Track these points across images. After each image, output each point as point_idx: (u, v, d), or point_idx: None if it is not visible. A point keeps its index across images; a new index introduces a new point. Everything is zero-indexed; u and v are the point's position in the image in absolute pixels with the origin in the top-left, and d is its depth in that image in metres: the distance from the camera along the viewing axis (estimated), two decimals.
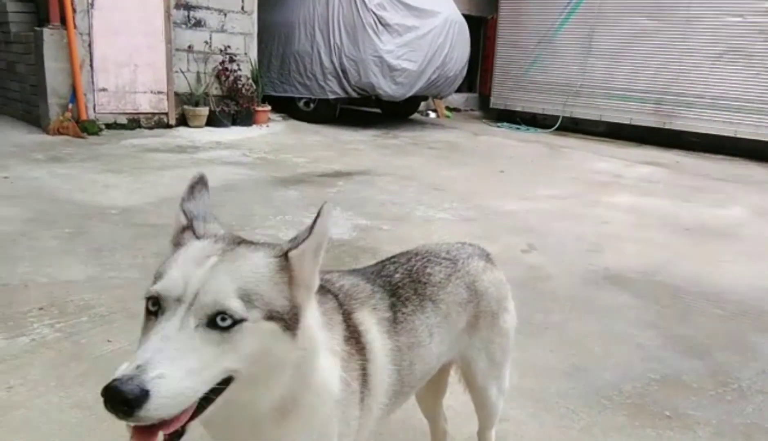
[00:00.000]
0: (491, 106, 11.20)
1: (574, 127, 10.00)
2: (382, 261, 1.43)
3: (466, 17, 9.92)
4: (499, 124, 10.53)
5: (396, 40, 8.14)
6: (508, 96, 10.85)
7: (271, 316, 0.87)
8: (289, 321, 0.89)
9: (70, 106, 6.80)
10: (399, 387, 1.22)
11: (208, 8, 7.92)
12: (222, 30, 8.08)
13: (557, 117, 10.04)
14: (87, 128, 6.74)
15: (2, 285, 2.80)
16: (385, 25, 8.08)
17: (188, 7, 7.75)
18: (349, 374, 1.07)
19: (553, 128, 9.97)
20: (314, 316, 0.98)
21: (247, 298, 0.85)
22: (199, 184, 1.12)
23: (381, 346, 1.18)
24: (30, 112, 7.17)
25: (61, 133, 6.56)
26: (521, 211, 4.75)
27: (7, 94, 7.79)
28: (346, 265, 3.32)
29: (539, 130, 10.06)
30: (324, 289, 1.12)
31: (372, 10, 8.05)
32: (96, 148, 6.10)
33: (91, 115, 6.97)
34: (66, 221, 3.75)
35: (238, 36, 8.26)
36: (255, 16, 8.43)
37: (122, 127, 7.22)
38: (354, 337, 1.12)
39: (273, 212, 4.25)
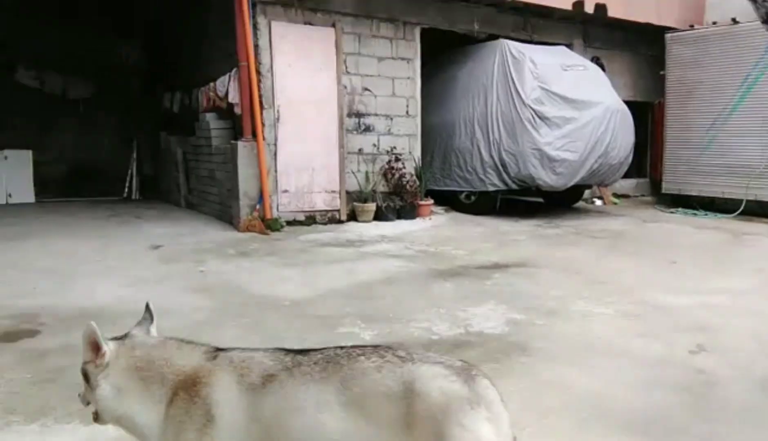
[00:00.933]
0: (663, 191, 10.65)
1: (760, 211, 9.13)
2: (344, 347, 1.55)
3: (632, 103, 9.74)
4: (672, 210, 9.94)
5: (555, 132, 8.21)
6: (682, 180, 10.26)
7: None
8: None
9: (257, 206, 7.71)
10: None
11: (376, 115, 8.67)
12: (389, 133, 8.77)
13: (740, 201, 9.26)
14: (271, 226, 7.55)
15: None
16: (543, 118, 8.21)
17: (359, 115, 8.56)
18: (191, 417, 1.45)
19: (735, 213, 9.19)
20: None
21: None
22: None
23: (230, 400, 1.47)
24: (225, 212, 8.22)
25: (249, 230, 7.42)
26: (693, 307, 4.43)
27: (207, 198, 9.02)
28: (497, 361, 3.34)
29: (719, 215, 9.33)
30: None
31: (530, 106, 8.24)
32: (277, 244, 6.80)
33: (275, 214, 7.81)
34: (246, 311, 4.24)
35: (403, 137, 8.90)
36: (418, 119, 9.08)
37: (300, 223, 7.98)
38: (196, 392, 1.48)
39: (428, 305, 4.41)
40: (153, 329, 1.78)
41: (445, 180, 9.22)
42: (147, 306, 1.84)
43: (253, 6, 7.70)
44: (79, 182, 11.19)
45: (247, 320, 4.06)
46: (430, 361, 1.48)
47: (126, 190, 11.17)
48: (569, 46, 10.36)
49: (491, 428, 1.38)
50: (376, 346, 1.54)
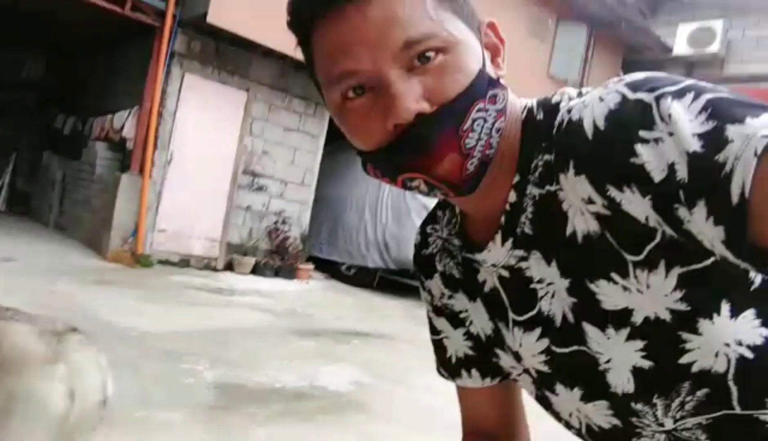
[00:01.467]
0: None
1: None
2: None
3: None
4: None
5: None
6: None
7: None
8: None
9: (130, 239, 7.45)
10: None
11: (272, 177, 8.76)
12: (281, 197, 8.86)
13: None
14: (141, 261, 7.30)
15: None
16: (428, 209, 8.65)
17: (254, 175, 8.60)
18: None
19: None
20: None
21: None
22: None
23: None
24: (95, 240, 7.85)
25: (117, 262, 7.13)
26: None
27: (79, 223, 8.61)
28: (331, 414, 3.41)
29: None
30: None
31: (419, 198, 8.69)
32: (144, 280, 6.56)
33: (147, 250, 7.57)
34: (90, 337, 4.03)
35: (295, 203, 9.01)
36: (313, 189, 9.26)
37: (173, 264, 7.77)
38: None
39: (280, 357, 4.41)
40: None
41: (330, 249, 9.38)
42: None
43: (171, 56, 7.73)
44: None
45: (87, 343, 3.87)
46: (24, 320, 1.49)
47: None
48: None
49: (62, 387, 1.42)
50: None
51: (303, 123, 9.05)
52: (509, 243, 0.71)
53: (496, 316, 0.78)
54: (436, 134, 0.62)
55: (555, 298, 0.69)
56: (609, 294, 0.64)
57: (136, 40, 8.30)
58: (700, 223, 0.52)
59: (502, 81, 0.68)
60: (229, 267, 8.23)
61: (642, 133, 0.55)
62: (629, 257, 0.61)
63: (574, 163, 0.61)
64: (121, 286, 5.97)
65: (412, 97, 0.61)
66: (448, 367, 0.89)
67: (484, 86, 0.64)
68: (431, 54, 0.62)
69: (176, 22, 7.61)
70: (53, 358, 1.44)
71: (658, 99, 0.56)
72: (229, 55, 8.12)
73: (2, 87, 10.71)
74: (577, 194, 0.62)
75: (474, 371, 0.86)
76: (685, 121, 0.53)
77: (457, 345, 0.87)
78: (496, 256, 0.72)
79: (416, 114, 0.61)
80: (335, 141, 9.66)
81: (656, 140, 0.54)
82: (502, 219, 0.71)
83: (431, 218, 0.89)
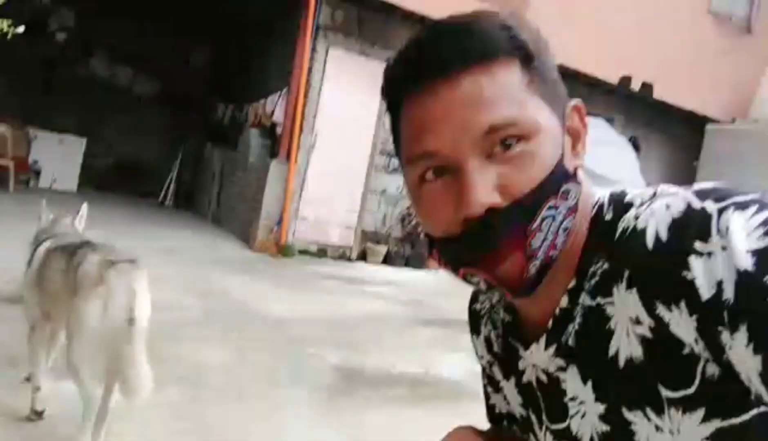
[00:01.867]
0: None
1: None
2: None
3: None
4: None
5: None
6: None
7: None
8: None
9: (275, 229, 8.06)
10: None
11: None
12: None
13: None
14: (284, 251, 7.89)
15: (159, 355, 3.56)
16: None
17: (391, 155, 8.59)
18: None
19: None
20: None
21: None
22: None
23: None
24: (245, 231, 8.58)
25: (262, 251, 7.78)
26: None
27: (232, 215, 9.40)
28: (445, 400, 3.57)
29: None
30: None
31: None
32: (284, 269, 7.13)
33: (290, 240, 8.15)
34: (229, 318, 4.57)
35: None
36: None
37: (311, 254, 8.29)
38: None
39: (400, 345, 4.66)
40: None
41: None
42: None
43: (316, 30, 8.08)
44: (121, 179, 11.66)
45: (228, 326, 4.38)
46: (100, 251, 2.28)
47: (162, 195, 11.54)
48: (610, 120, 10.38)
49: (99, 302, 2.09)
50: (89, 243, 2.46)
51: None
52: (552, 349, 0.69)
53: (530, 407, 0.77)
54: (504, 233, 0.61)
55: (584, 420, 0.67)
56: (642, 428, 0.61)
57: (282, 21, 8.78)
58: (740, 351, 0.50)
59: (579, 171, 0.67)
60: (363, 256, 8.60)
61: (697, 245, 0.53)
62: (666, 393, 0.58)
63: (627, 275, 0.59)
64: (262, 274, 6.55)
65: (485, 190, 0.60)
66: (492, 415, 0.92)
67: (558, 181, 0.63)
68: (512, 141, 0.61)
69: None
70: (99, 282, 2.12)
71: (720, 210, 0.54)
72: (370, 22, 8.28)
73: (173, 77, 11.61)
74: (626, 311, 0.60)
75: (515, 427, 0.86)
76: (742, 235, 0.51)
77: (499, 403, 0.89)
78: (538, 358, 0.71)
79: (487, 208, 0.61)
80: None
81: (709, 254, 0.52)
82: (550, 323, 0.69)
83: None
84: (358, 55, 8.30)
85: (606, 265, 0.64)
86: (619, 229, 0.63)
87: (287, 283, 6.28)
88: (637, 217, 0.61)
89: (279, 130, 8.31)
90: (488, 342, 0.84)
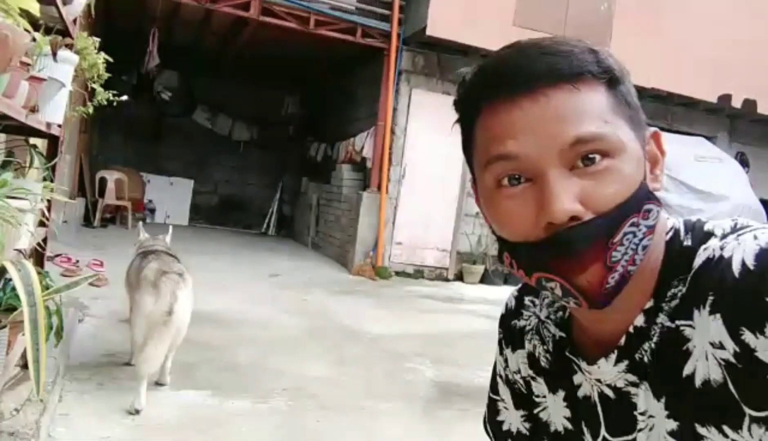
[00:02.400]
0: None
1: None
2: None
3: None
4: None
5: None
6: None
7: None
8: None
9: (371, 253, 8.30)
10: None
11: None
12: None
13: None
14: (380, 273, 8.08)
15: (266, 368, 3.76)
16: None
17: None
18: None
19: None
20: None
21: None
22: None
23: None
24: (342, 255, 8.90)
25: (359, 275, 8.00)
26: None
27: (330, 241, 9.79)
28: None
29: None
30: None
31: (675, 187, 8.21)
32: (381, 290, 7.29)
33: (386, 263, 8.34)
34: (329, 336, 4.73)
35: None
36: None
37: (408, 275, 8.44)
38: None
39: None
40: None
41: None
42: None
43: (399, 74, 8.50)
44: (226, 213, 12.64)
45: (328, 343, 4.54)
46: (160, 262, 3.20)
47: (265, 226, 12.32)
48: (712, 138, 10.03)
49: (151, 298, 3.00)
50: (156, 253, 3.38)
51: None
52: (623, 365, 0.69)
53: (584, 421, 0.77)
54: (587, 243, 0.61)
55: (653, 433, 0.68)
56: None
57: (367, 65, 9.26)
58: None
59: (657, 194, 0.67)
60: (460, 277, 8.64)
61: None
62: (749, 411, 0.58)
63: (711, 301, 0.60)
64: (361, 296, 6.73)
65: (569, 199, 0.61)
66: (496, 430, 0.92)
67: (641, 200, 0.63)
68: (597, 156, 0.62)
69: (401, 40, 8.35)
70: (153, 284, 3.04)
71: None
72: (449, 64, 8.57)
73: (269, 123, 12.57)
74: (706, 336, 0.61)
75: None
76: None
77: (513, 419, 0.89)
78: (605, 373, 0.71)
79: (570, 217, 0.61)
80: None
81: None
82: (623, 340, 0.69)
83: (532, 289, 0.86)
84: (440, 94, 8.61)
85: (685, 289, 0.65)
86: (702, 257, 0.64)
87: (385, 303, 6.41)
88: (723, 247, 0.62)
89: (369, 163, 8.68)
90: (532, 357, 0.84)
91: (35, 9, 1.48)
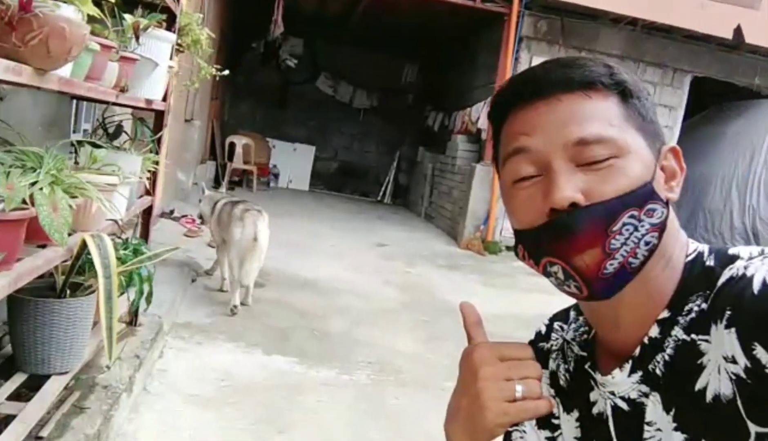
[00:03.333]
0: None
1: None
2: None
3: None
4: None
5: None
6: None
7: None
8: None
9: (481, 227, 8.16)
10: None
11: None
12: None
13: None
14: (489, 248, 7.93)
15: (356, 339, 3.84)
16: None
17: None
18: None
19: None
20: None
21: None
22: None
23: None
24: (453, 228, 8.83)
25: (468, 249, 7.90)
26: None
27: (442, 212, 9.74)
28: None
29: None
30: None
31: None
32: (488, 265, 7.16)
33: (496, 238, 8.17)
34: (426, 310, 4.73)
35: None
36: None
37: None
38: None
39: None
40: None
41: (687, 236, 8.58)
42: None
43: (519, 41, 8.16)
44: (345, 180, 12.95)
45: (424, 317, 4.55)
46: (244, 204, 4.21)
47: (381, 193, 12.50)
48: None
49: (239, 229, 3.98)
50: (239, 201, 4.33)
51: (658, 94, 8.47)
52: (637, 376, 0.71)
53: (594, 439, 0.78)
54: (583, 226, 0.65)
55: None
56: None
57: (486, 31, 9.00)
58: None
59: (669, 203, 0.70)
60: None
61: None
62: (754, 427, 0.59)
63: (728, 316, 0.61)
64: (467, 271, 6.65)
65: (570, 187, 0.66)
66: None
67: (644, 197, 0.66)
68: (602, 156, 0.67)
69: (522, 4, 7.96)
70: (240, 217, 4.02)
71: None
72: (575, 30, 8.12)
73: (388, 91, 12.66)
74: (720, 350, 0.62)
75: None
76: None
77: None
78: (619, 383, 0.73)
79: (571, 203, 0.66)
80: (696, 113, 8.81)
81: None
82: (637, 350, 0.71)
83: (563, 315, 0.91)
84: None
85: (704, 305, 0.66)
86: (725, 276, 0.66)
87: (490, 280, 6.30)
88: (746, 267, 0.64)
89: (484, 135, 8.45)
90: (554, 376, 0.86)
91: None
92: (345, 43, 12.16)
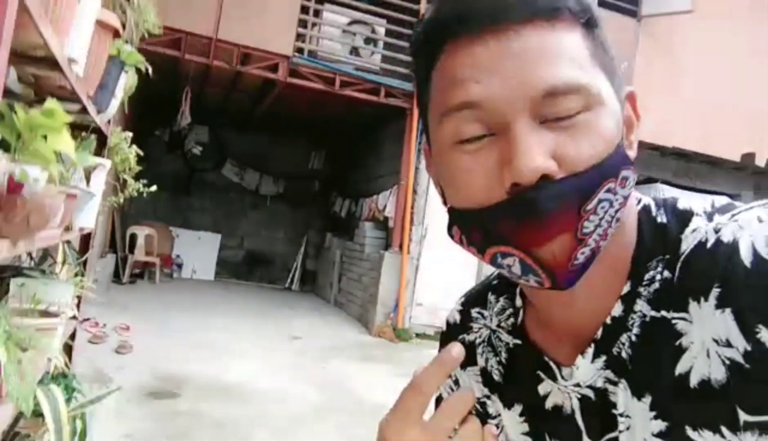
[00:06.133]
0: None
1: None
2: None
3: None
4: None
5: None
6: None
7: None
8: None
9: (391, 315, 8.34)
10: None
11: None
12: None
13: None
14: (400, 335, 8.10)
15: None
16: None
17: None
18: None
19: None
20: None
21: None
22: None
23: None
24: (363, 315, 8.95)
25: (380, 336, 8.03)
26: None
27: (352, 299, 9.86)
28: None
29: None
30: None
31: None
32: (400, 354, 7.30)
33: (407, 324, 8.37)
34: (345, 412, 4.76)
35: None
36: None
37: (429, 337, 8.42)
38: None
39: None
40: None
41: None
42: None
43: (421, 133, 8.66)
44: (252, 267, 12.81)
45: (340, 420, 4.57)
46: None
47: (289, 280, 12.44)
48: (736, 197, 9.97)
49: None
50: None
51: None
52: (601, 361, 0.61)
53: (547, 434, 0.69)
54: (557, 206, 0.53)
55: (630, 436, 0.61)
56: None
57: (391, 123, 9.48)
58: None
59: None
60: None
61: None
62: (744, 416, 0.53)
63: (719, 294, 0.52)
64: (379, 361, 6.75)
65: (540, 154, 0.52)
66: None
67: (619, 164, 0.55)
68: (572, 108, 0.54)
69: None
70: None
71: None
72: None
73: (294, 177, 12.84)
74: (709, 331, 0.53)
75: None
76: None
77: None
78: (584, 374, 0.63)
79: (542, 175, 0.52)
80: None
81: None
82: (599, 332, 0.61)
83: (477, 299, 0.80)
84: None
85: (667, 273, 0.58)
86: (692, 240, 0.57)
87: (402, 370, 6.42)
88: (717, 230, 0.55)
89: (391, 223, 8.80)
90: (485, 373, 0.75)
91: (71, 149, 1.61)
92: (251, 131, 12.33)
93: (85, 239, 2.90)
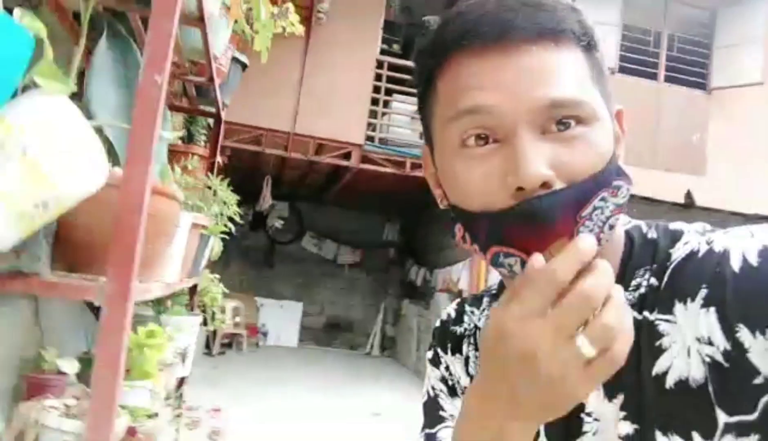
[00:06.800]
0: None
1: None
2: None
3: None
4: None
5: None
6: None
7: None
8: None
9: None
10: None
11: None
12: None
13: None
14: None
15: None
16: None
17: None
18: None
19: None
20: None
21: None
22: None
23: None
24: None
25: None
26: None
27: None
28: None
29: None
30: None
31: None
32: None
33: None
34: None
35: None
36: None
37: None
38: None
39: None
40: None
41: None
42: None
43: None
44: (333, 333, 13.28)
45: None
46: None
47: (369, 346, 12.76)
48: None
49: None
50: None
51: None
52: None
53: None
54: (556, 214, 0.56)
55: (596, 438, 0.62)
56: None
57: None
58: None
59: None
60: None
61: None
62: (724, 417, 0.54)
63: (705, 294, 0.56)
64: None
65: (541, 162, 0.56)
66: None
67: (612, 174, 0.59)
68: (571, 122, 0.58)
69: None
70: None
71: None
72: None
73: (372, 247, 13.38)
74: (693, 330, 0.56)
75: None
76: None
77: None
78: None
79: (542, 183, 0.56)
80: None
81: None
82: None
83: (475, 300, 0.85)
84: None
85: (654, 281, 0.61)
86: (683, 250, 0.61)
87: None
88: (710, 242, 0.59)
89: (465, 295, 8.90)
90: (467, 363, 0.80)
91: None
92: (328, 204, 12.96)
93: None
